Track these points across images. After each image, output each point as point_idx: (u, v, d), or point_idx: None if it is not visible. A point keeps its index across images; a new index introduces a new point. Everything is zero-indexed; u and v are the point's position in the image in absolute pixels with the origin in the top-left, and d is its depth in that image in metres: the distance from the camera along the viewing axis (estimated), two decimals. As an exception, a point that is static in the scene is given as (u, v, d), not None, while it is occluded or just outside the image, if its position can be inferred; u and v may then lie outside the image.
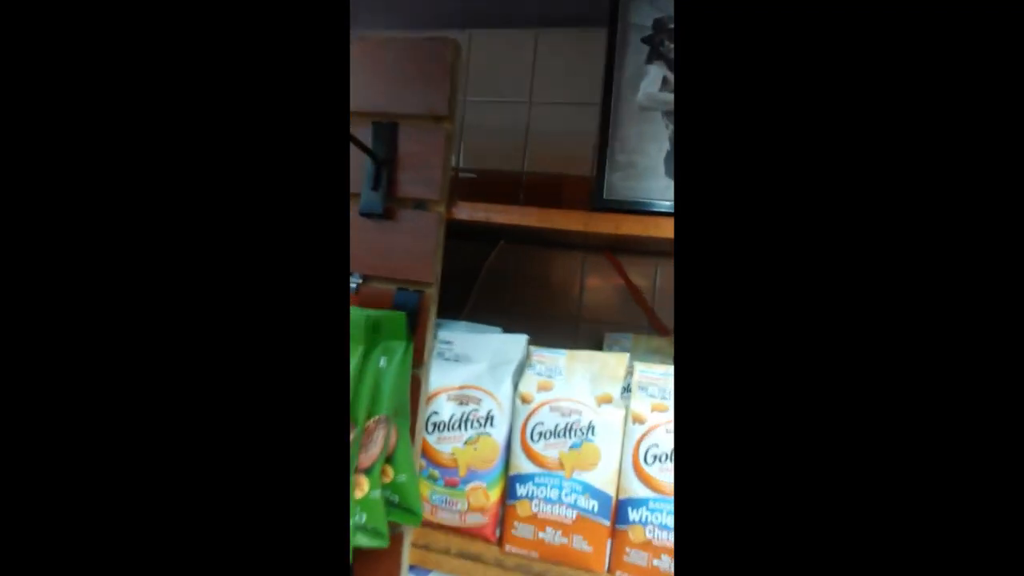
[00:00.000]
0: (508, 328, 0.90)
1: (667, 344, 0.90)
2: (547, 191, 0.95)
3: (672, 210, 0.59)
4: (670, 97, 0.63)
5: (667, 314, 0.89)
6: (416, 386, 0.59)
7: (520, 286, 0.97)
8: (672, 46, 0.64)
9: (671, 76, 0.64)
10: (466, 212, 0.61)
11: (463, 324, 0.81)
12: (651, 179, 0.61)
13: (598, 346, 0.95)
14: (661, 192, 0.61)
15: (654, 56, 0.65)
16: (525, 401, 0.60)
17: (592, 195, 0.60)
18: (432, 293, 0.59)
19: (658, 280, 0.89)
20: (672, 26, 0.65)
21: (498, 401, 0.61)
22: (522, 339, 0.65)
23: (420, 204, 0.58)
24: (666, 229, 0.56)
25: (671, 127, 0.62)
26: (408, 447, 0.53)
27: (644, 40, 0.65)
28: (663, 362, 0.92)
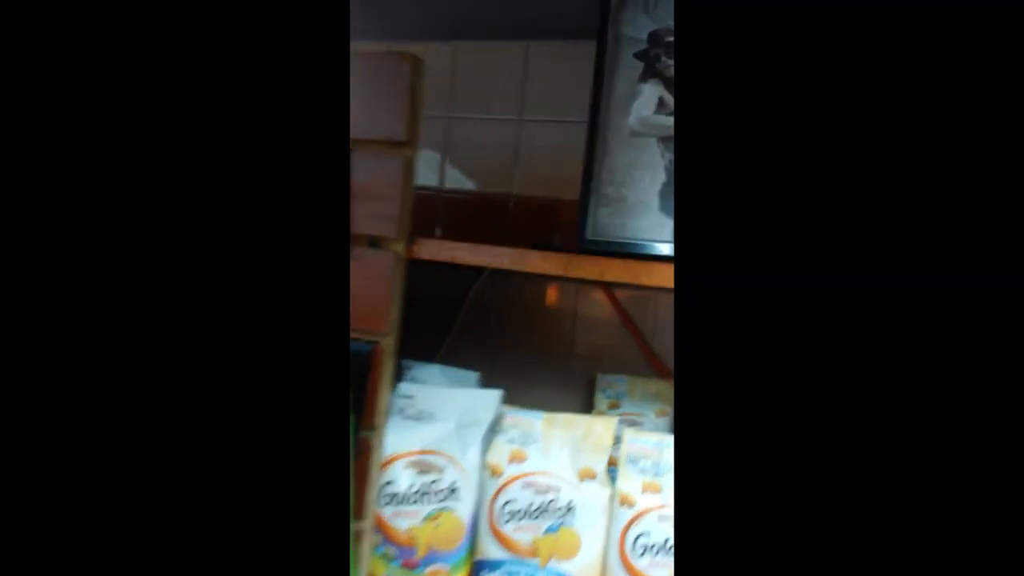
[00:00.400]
0: (489, 370, 0.81)
1: (666, 387, 0.82)
2: (539, 216, 0.87)
3: (667, 252, 0.51)
4: (667, 121, 0.55)
5: (667, 351, 0.81)
6: (366, 453, 0.51)
7: (507, 319, 0.89)
8: (671, 62, 0.56)
9: (669, 97, 0.56)
10: (430, 251, 0.54)
11: (436, 369, 0.72)
12: (643, 216, 0.53)
13: (590, 388, 0.87)
14: (654, 231, 0.53)
15: (649, 74, 0.57)
16: (495, 474, 0.52)
17: (576, 233, 0.52)
18: (388, 344, 0.51)
19: (658, 314, 0.81)
20: (671, 39, 0.57)
21: (464, 470, 0.53)
22: (495, 396, 0.57)
23: (375, 242, 0.50)
24: (659, 275, 0.47)
25: (668, 156, 0.54)
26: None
27: (637, 55, 0.57)
28: (661, 408, 0.83)
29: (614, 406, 0.84)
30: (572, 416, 0.53)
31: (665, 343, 0.81)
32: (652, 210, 0.53)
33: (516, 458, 0.51)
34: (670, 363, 0.81)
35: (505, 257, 0.51)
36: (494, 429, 0.55)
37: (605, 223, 0.53)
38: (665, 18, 0.57)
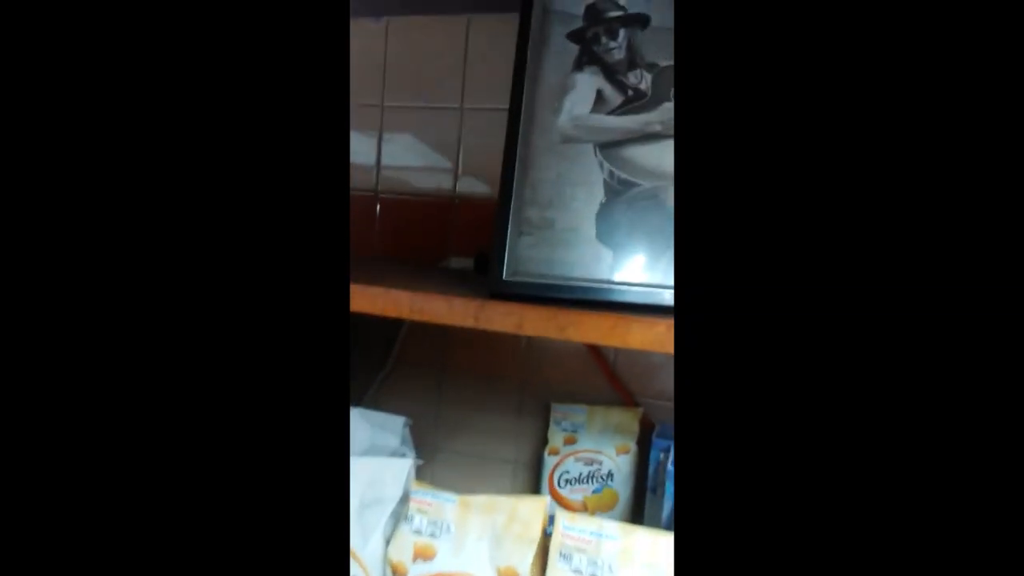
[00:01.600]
0: (425, 406, 0.71)
1: (629, 418, 0.71)
2: (486, 219, 0.76)
3: (606, 296, 0.40)
4: (608, 122, 0.43)
5: (632, 375, 0.71)
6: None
7: (452, 337, 0.79)
8: (613, 44, 0.45)
9: (611, 89, 0.44)
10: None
11: (356, 413, 0.62)
12: (576, 246, 0.42)
13: (544, 418, 0.77)
14: (591, 266, 0.42)
15: (585, 60, 0.45)
16: (397, 574, 0.42)
17: (488, 273, 0.41)
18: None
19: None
20: (615, 14, 0.45)
21: (364, 568, 0.43)
22: (405, 466, 0.46)
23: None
24: (595, 329, 0.37)
25: (608, 167, 0.43)
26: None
27: (572, 36, 0.45)
28: (623, 443, 0.73)
29: (570, 441, 0.74)
30: (493, 498, 0.42)
31: (631, 366, 0.71)
32: (587, 239, 0.41)
33: (423, 554, 0.41)
34: (635, 389, 0.71)
35: (398, 303, 0.40)
36: (401, 510, 0.45)
37: (527, 257, 0.42)
38: (607, -14, 0.45)
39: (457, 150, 0.77)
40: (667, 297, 0.39)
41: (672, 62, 0.43)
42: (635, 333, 0.36)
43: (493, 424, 0.79)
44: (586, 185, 0.42)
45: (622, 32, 0.44)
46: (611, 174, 0.42)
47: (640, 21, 0.44)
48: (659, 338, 0.35)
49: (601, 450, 0.69)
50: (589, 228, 0.41)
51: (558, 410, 0.72)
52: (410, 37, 0.78)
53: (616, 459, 0.68)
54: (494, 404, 0.80)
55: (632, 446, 0.68)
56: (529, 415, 0.77)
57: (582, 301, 0.39)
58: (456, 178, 0.78)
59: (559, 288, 0.39)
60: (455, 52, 0.76)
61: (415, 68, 0.78)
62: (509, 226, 0.40)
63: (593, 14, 0.44)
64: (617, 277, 0.40)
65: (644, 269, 0.40)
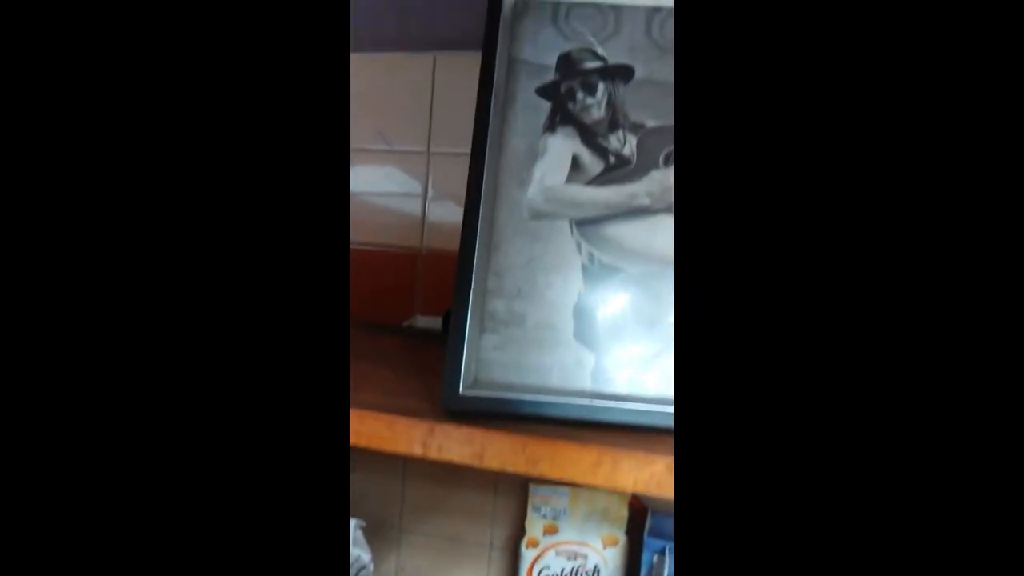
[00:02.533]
0: (391, 484, 0.62)
1: (617, 502, 0.64)
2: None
3: (587, 414, 0.33)
4: (587, 194, 0.37)
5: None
6: None
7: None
8: (592, 100, 0.38)
9: (587, 154, 0.37)
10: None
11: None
12: (552, 348, 0.34)
13: (521, 502, 0.69)
14: (569, 374, 0.34)
15: (559, 119, 0.38)
16: None
17: (443, 384, 0.34)
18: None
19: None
20: (592, 65, 0.39)
21: None
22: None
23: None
24: (575, 466, 0.29)
25: (588, 248, 0.36)
26: None
27: (543, 91, 0.39)
28: (611, 534, 0.65)
29: (551, 530, 0.66)
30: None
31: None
32: (564, 338, 0.34)
33: None
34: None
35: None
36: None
37: (491, 361, 0.34)
38: (583, 32, 0.39)
39: (423, 198, 0.70)
40: (664, 415, 0.32)
41: (661, 122, 0.37)
42: (624, 472, 0.28)
43: (467, 502, 0.71)
44: (562, 271, 0.35)
45: (601, 87, 0.37)
46: (591, 257, 0.35)
47: (622, 74, 0.37)
48: (655, 479, 0.28)
49: (586, 541, 0.61)
50: (566, 325, 0.34)
51: (537, 493, 0.64)
52: (373, 76, 0.71)
53: (603, 552, 0.60)
54: (468, 480, 0.72)
55: (621, 537, 0.60)
56: (504, 494, 0.69)
57: (556, 420, 0.32)
58: (423, 228, 0.71)
59: (530, 404, 0.32)
60: (421, 92, 0.69)
61: (376, 109, 0.71)
62: (468, 323, 0.33)
63: (567, 65, 0.38)
64: (602, 388, 0.33)
65: (634, 377, 0.33)
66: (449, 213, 0.70)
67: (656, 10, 0.38)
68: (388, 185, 0.71)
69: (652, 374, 0.33)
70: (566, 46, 0.38)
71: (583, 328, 0.34)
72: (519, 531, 0.65)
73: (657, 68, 0.37)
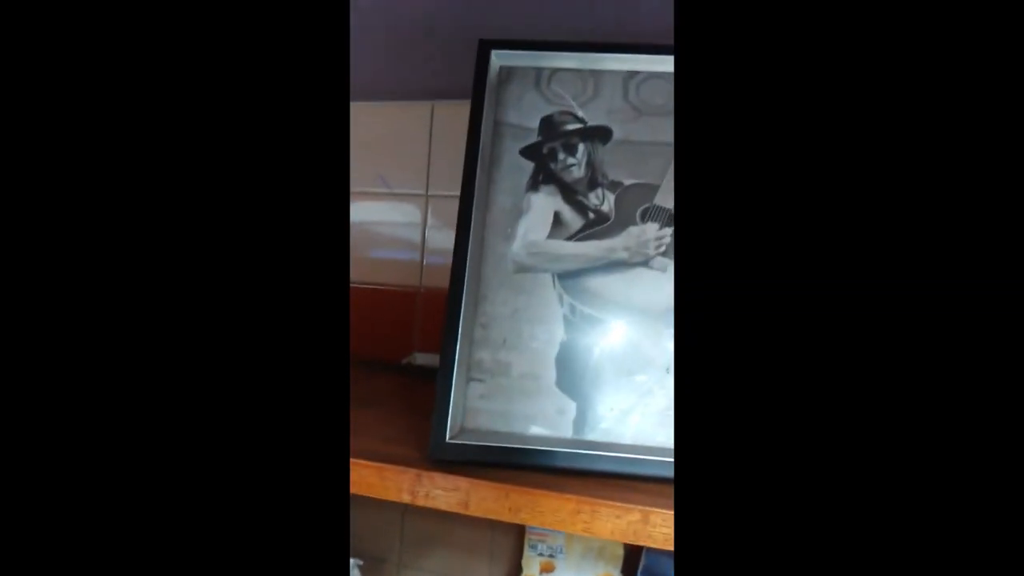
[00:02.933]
0: (391, 520, 0.62)
1: (614, 542, 0.65)
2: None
3: (575, 464, 0.34)
4: (567, 248, 0.39)
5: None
6: None
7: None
8: (573, 161, 0.41)
9: (568, 211, 0.39)
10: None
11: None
12: (536, 397, 0.36)
13: (518, 541, 0.69)
14: (552, 422, 0.36)
15: (541, 178, 0.40)
16: None
17: (431, 433, 0.35)
18: None
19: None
20: (573, 127, 0.41)
21: None
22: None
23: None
24: (555, 515, 0.30)
25: (569, 300, 0.38)
26: None
27: (526, 152, 0.41)
28: (607, 572, 0.66)
29: (548, 568, 0.66)
30: None
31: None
32: (548, 387, 0.36)
33: None
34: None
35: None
36: None
37: (477, 409, 0.36)
38: (564, 95, 0.41)
39: (422, 239, 0.73)
40: (643, 464, 0.33)
41: (637, 180, 0.39)
42: (602, 521, 0.29)
43: (465, 539, 0.72)
44: (545, 322, 0.36)
45: (581, 147, 0.40)
46: (572, 308, 0.37)
47: (601, 135, 0.40)
48: (632, 528, 0.29)
49: (582, 580, 0.62)
50: (549, 374, 0.36)
51: (533, 531, 0.64)
52: (373, 123, 0.75)
53: (599, 591, 0.61)
54: (466, 517, 0.72)
55: (616, 575, 0.61)
56: (502, 531, 0.69)
57: (542, 468, 0.33)
58: (422, 267, 0.73)
59: (514, 453, 0.33)
60: (420, 138, 0.72)
61: (377, 153, 0.74)
62: (455, 373, 0.35)
63: (549, 128, 0.40)
64: (582, 437, 0.34)
65: (614, 426, 0.35)
66: (446, 252, 0.72)
67: (633, 74, 0.41)
68: (388, 226, 0.74)
69: (630, 423, 0.34)
70: (548, 109, 0.41)
71: (565, 377, 0.35)
72: (516, 568, 0.65)
73: (633, 129, 0.40)
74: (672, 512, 0.29)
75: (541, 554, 0.64)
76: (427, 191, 0.72)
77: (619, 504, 0.29)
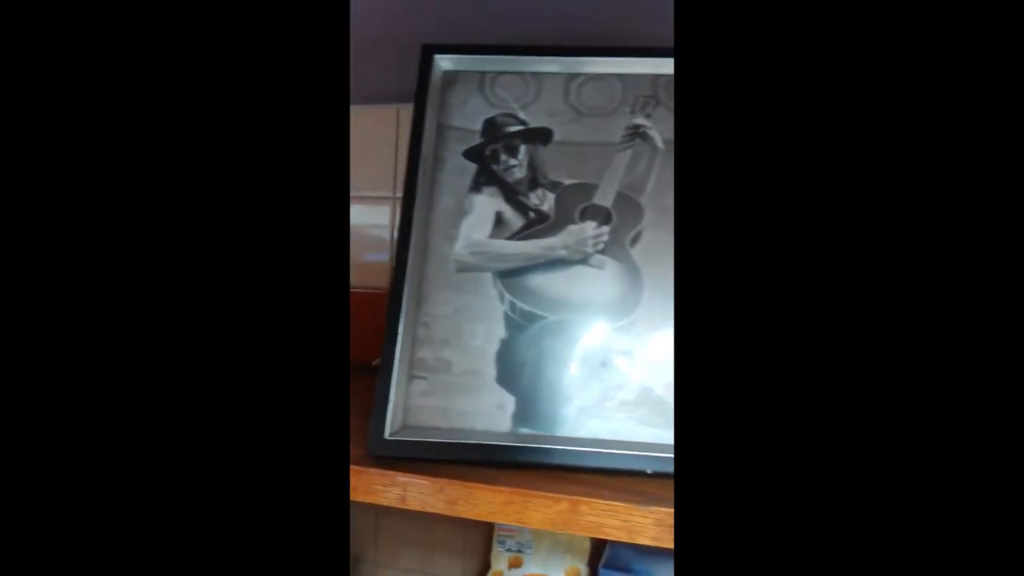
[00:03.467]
0: (364, 520, 0.62)
1: (581, 537, 0.66)
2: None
3: (512, 458, 0.35)
4: (509, 247, 0.39)
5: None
6: None
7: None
8: (515, 162, 0.41)
9: (509, 211, 0.40)
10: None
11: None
12: (476, 393, 0.36)
13: (489, 542, 0.70)
14: (491, 417, 0.36)
15: (484, 180, 0.41)
16: None
17: (369, 431, 0.36)
18: None
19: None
20: (515, 128, 0.42)
21: None
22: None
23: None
24: (488, 506, 0.31)
25: (509, 298, 0.39)
26: None
27: (469, 154, 0.42)
28: (573, 566, 0.67)
29: (516, 563, 0.67)
30: None
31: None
32: (488, 383, 0.37)
33: None
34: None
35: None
36: None
37: (418, 407, 0.36)
38: (506, 98, 0.42)
39: (391, 240, 0.73)
40: (578, 455, 0.34)
41: (577, 180, 0.40)
42: (534, 511, 0.30)
43: (438, 537, 0.72)
44: (486, 320, 0.37)
45: (523, 148, 0.40)
46: (512, 306, 0.37)
47: (542, 136, 0.41)
48: (561, 517, 0.30)
49: (549, 574, 0.62)
50: (490, 370, 0.36)
51: (502, 527, 0.65)
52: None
53: (566, 585, 0.61)
54: (437, 515, 0.73)
55: (583, 568, 0.61)
56: (474, 528, 0.70)
57: (481, 463, 0.34)
58: (391, 270, 0.74)
59: (452, 448, 0.34)
60: (386, 141, 0.73)
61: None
62: (395, 371, 0.36)
63: (492, 130, 0.41)
64: (520, 430, 0.35)
65: (550, 419, 0.35)
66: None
67: (573, 76, 0.42)
68: (357, 228, 0.74)
69: (567, 415, 0.35)
70: (491, 112, 0.41)
71: (505, 373, 0.36)
72: (487, 565, 0.66)
73: (574, 130, 0.41)
74: (599, 501, 0.29)
75: (509, 549, 0.65)
76: (395, 193, 0.73)
77: (549, 495, 0.30)
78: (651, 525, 0.29)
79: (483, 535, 0.70)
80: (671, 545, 0.28)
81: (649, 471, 0.33)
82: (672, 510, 0.29)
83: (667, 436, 0.34)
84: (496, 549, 0.66)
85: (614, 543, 0.63)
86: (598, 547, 0.64)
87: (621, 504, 0.29)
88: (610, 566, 0.57)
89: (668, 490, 0.31)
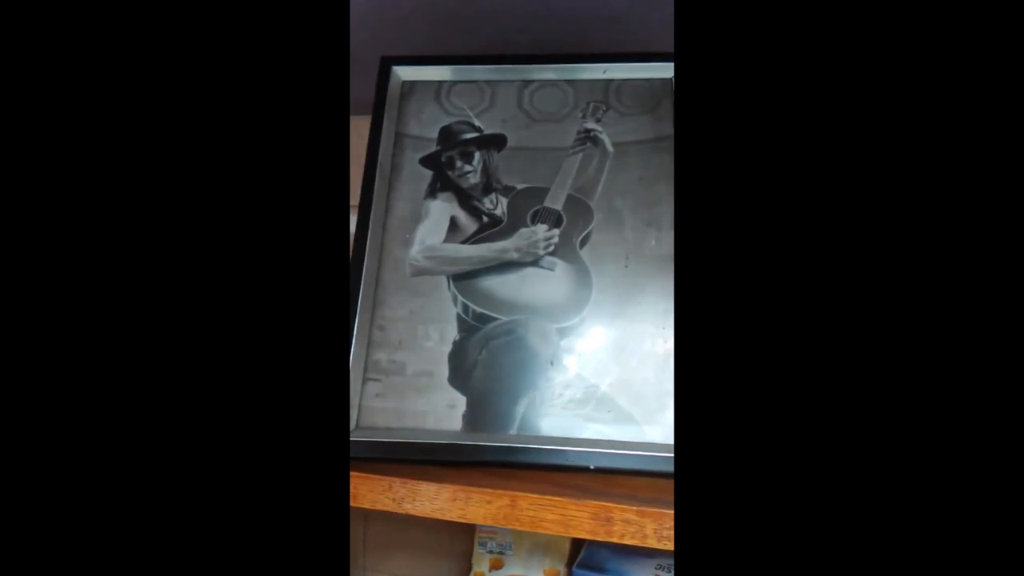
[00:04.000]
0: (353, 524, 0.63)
1: (560, 536, 0.66)
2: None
3: (461, 457, 0.36)
4: (463, 252, 0.40)
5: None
6: None
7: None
8: (469, 168, 0.42)
9: (463, 216, 0.41)
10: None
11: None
12: (429, 394, 0.37)
13: (468, 539, 0.71)
14: (442, 418, 0.37)
15: (439, 185, 0.42)
16: None
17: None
18: None
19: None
20: (470, 136, 0.43)
21: None
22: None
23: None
24: (432, 503, 0.32)
25: (463, 300, 0.40)
26: None
27: (425, 161, 0.43)
28: (552, 567, 0.67)
29: (497, 565, 0.68)
30: None
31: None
32: (440, 384, 0.38)
33: None
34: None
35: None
36: None
37: (372, 408, 0.37)
38: (462, 106, 0.43)
39: (350, 247, 0.75)
40: (524, 452, 0.34)
41: (529, 184, 0.41)
42: (475, 507, 0.31)
43: (425, 540, 0.73)
44: (439, 322, 0.38)
45: (477, 155, 0.42)
46: (465, 308, 0.38)
47: (496, 142, 0.42)
48: (502, 512, 0.31)
49: (528, 575, 0.63)
50: (442, 371, 0.37)
51: (483, 529, 0.66)
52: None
53: (545, 585, 0.62)
54: (423, 518, 0.74)
55: (562, 569, 0.62)
56: (459, 531, 0.70)
57: (434, 462, 0.35)
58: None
59: (403, 448, 0.35)
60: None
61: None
62: (350, 374, 0.37)
63: (447, 137, 0.42)
64: (472, 429, 0.36)
65: (499, 418, 0.36)
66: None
67: (527, 83, 0.43)
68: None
69: (515, 414, 0.36)
70: (447, 120, 0.43)
71: (457, 373, 0.37)
72: (470, 567, 0.67)
73: (527, 136, 0.42)
74: (536, 496, 0.30)
75: (491, 551, 0.65)
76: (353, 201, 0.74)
77: (490, 490, 0.31)
78: (586, 518, 0.29)
79: (467, 539, 0.70)
80: (607, 539, 0.29)
81: (592, 467, 0.33)
82: (607, 503, 0.30)
83: (610, 432, 0.35)
84: (477, 551, 0.67)
85: (591, 543, 0.63)
86: (577, 548, 0.64)
87: (558, 498, 0.30)
88: (583, 566, 0.57)
89: (607, 484, 0.32)
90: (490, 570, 0.66)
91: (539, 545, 0.66)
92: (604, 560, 0.58)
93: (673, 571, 0.56)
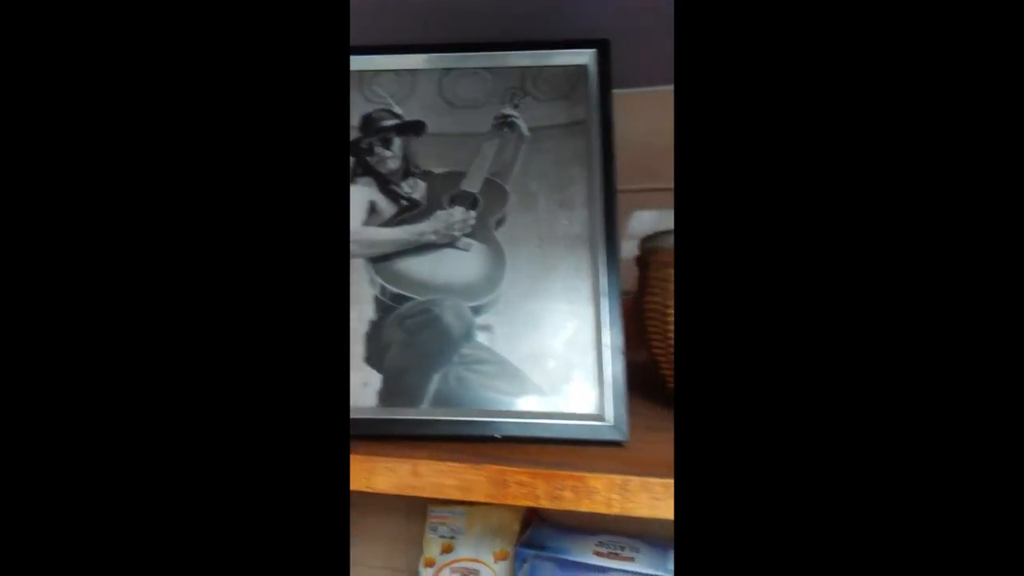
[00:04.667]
0: None
1: (510, 517, 0.67)
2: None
3: (373, 431, 0.37)
4: (382, 234, 0.42)
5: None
6: None
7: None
8: (388, 154, 0.43)
9: (383, 200, 0.42)
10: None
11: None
12: (351, 372, 0.39)
13: (420, 524, 0.72)
14: (358, 395, 0.37)
15: (359, 171, 0.43)
16: None
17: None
18: None
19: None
20: (390, 123, 0.44)
21: None
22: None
23: None
24: (353, 471, 0.33)
25: (380, 281, 0.41)
26: None
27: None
28: (502, 548, 0.68)
29: (447, 549, 0.69)
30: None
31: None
32: (357, 363, 0.38)
33: None
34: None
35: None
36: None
37: (291, 387, 0.39)
38: (383, 95, 0.44)
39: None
40: (434, 424, 0.36)
41: (447, 168, 0.42)
42: (380, 476, 0.32)
43: (384, 528, 0.74)
44: (358, 304, 0.39)
45: (397, 141, 0.43)
46: (383, 289, 0.39)
47: (415, 128, 0.43)
48: (405, 480, 0.32)
49: (479, 557, 0.64)
50: (359, 350, 0.38)
51: (434, 514, 0.67)
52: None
53: (494, 566, 0.63)
54: (378, 506, 0.75)
55: (511, 550, 0.63)
56: (415, 517, 0.71)
57: (359, 436, 0.36)
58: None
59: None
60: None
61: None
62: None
63: (368, 125, 0.43)
64: (386, 405, 0.37)
65: (413, 393, 0.37)
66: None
67: (447, 71, 0.44)
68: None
69: (428, 389, 0.37)
70: (368, 108, 0.44)
71: (373, 353, 0.38)
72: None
73: (446, 122, 0.43)
74: (435, 462, 0.31)
75: (442, 536, 0.66)
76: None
77: (393, 459, 0.32)
78: (484, 482, 0.31)
79: (421, 523, 0.71)
80: (503, 501, 0.30)
81: (498, 436, 0.35)
82: (503, 467, 0.31)
83: (518, 404, 0.36)
84: (428, 535, 0.68)
85: (537, 525, 0.64)
86: (526, 529, 0.65)
87: (457, 464, 0.31)
88: (527, 544, 0.58)
89: (509, 452, 0.33)
90: (441, 554, 0.67)
91: (489, 528, 0.67)
92: (546, 539, 0.60)
93: (611, 548, 0.57)
